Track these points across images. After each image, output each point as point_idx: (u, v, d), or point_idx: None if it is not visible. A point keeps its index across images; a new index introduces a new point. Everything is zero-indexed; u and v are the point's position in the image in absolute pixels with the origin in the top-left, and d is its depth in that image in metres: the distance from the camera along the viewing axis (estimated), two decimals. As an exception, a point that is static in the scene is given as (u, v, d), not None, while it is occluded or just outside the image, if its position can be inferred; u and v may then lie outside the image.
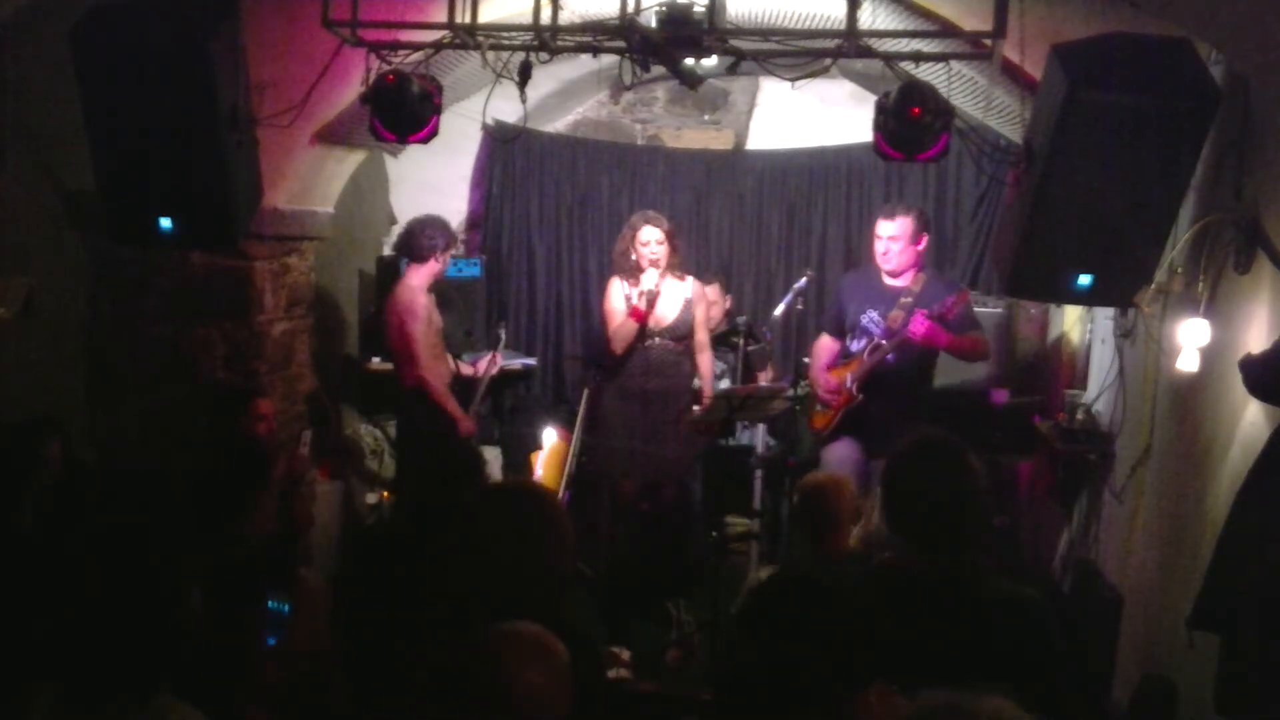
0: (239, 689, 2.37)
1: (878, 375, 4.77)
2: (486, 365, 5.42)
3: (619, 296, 5.22)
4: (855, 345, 4.94)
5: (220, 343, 5.14)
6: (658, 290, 5.06)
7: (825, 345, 5.13)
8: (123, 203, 3.64)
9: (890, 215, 4.85)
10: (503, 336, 5.84)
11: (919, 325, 4.57)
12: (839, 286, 5.25)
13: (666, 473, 5.28)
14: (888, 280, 4.87)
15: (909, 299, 4.78)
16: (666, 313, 5.18)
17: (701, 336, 5.32)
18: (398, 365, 5.13)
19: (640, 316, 5.07)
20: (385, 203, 6.95)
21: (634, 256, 5.14)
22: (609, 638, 4.78)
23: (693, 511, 5.73)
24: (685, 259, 5.53)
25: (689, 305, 5.21)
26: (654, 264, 5.08)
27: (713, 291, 5.92)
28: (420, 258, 5.10)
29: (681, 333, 5.20)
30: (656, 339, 5.17)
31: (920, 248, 4.87)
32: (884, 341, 4.75)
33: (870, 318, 4.88)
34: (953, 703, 1.59)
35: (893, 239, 4.79)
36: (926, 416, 4.80)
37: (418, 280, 5.10)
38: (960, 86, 4.47)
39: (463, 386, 5.34)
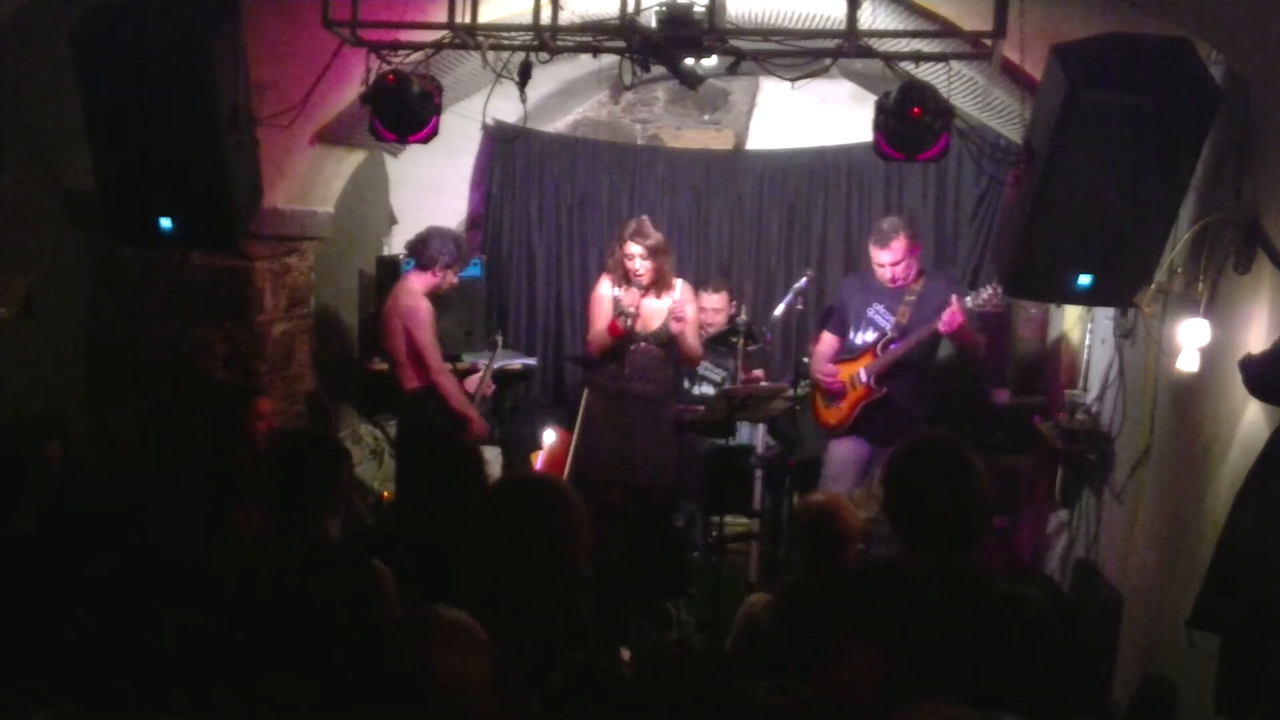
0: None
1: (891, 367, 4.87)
2: (479, 385, 5.42)
3: (604, 297, 5.23)
4: (860, 338, 5.01)
5: (220, 343, 5.14)
6: (638, 312, 5.06)
7: (827, 340, 5.21)
8: (123, 203, 3.64)
9: (884, 243, 4.89)
10: (499, 342, 5.84)
11: (954, 318, 4.61)
12: (840, 290, 5.32)
13: (647, 474, 5.27)
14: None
15: (913, 296, 4.88)
16: (652, 319, 5.17)
17: (690, 340, 5.28)
18: (398, 370, 5.11)
19: (617, 333, 5.08)
20: (385, 203, 6.95)
21: (623, 263, 5.14)
22: (608, 638, 4.77)
23: (687, 512, 5.73)
24: (685, 261, 5.51)
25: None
26: (637, 277, 5.08)
27: (719, 300, 5.92)
28: (424, 265, 5.08)
29: (666, 338, 5.20)
30: (642, 343, 5.16)
31: (917, 255, 4.97)
32: (897, 337, 4.85)
33: (876, 310, 4.97)
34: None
35: (894, 264, 4.89)
36: (923, 411, 4.87)
37: (418, 285, 5.08)
38: (960, 86, 4.47)
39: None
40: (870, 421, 4.95)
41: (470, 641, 1.85)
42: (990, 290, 4.71)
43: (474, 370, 5.65)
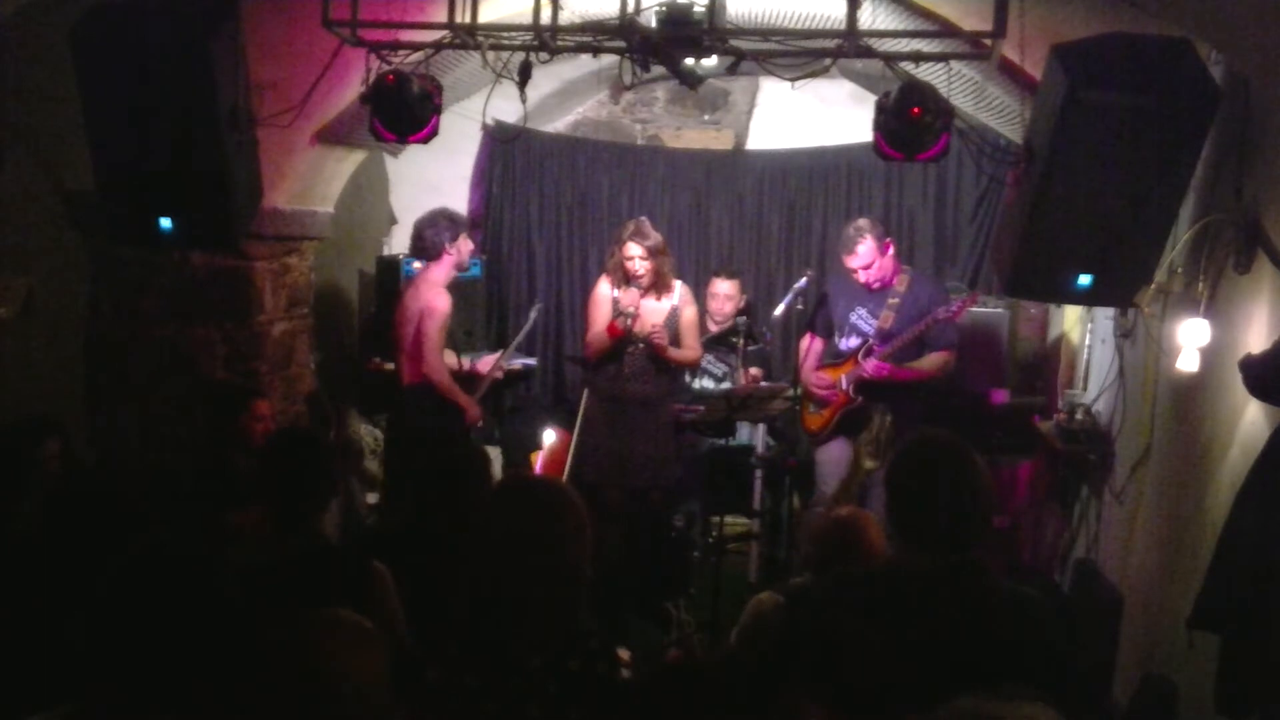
0: None
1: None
2: (492, 366, 5.40)
3: (604, 299, 5.19)
4: (845, 344, 4.98)
5: (220, 343, 5.14)
6: (637, 313, 5.04)
7: (812, 346, 5.18)
8: (123, 203, 3.64)
9: (850, 249, 4.85)
10: (533, 317, 5.80)
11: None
12: (827, 288, 5.26)
13: (646, 476, 5.26)
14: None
15: (896, 299, 4.84)
16: (651, 320, 5.15)
17: (689, 342, 5.27)
18: (400, 360, 5.05)
19: (616, 334, 5.06)
20: (385, 203, 6.96)
21: (622, 265, 5.13)
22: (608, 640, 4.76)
23: (687, 512, 5.73)
24: (685, 261, 5.49)
25: (674, 313, 5.19)
26: (636, 278, 5.08)
27: (731, 286, 5.92)
28: (434, 255, 4.96)
29: (646, 342, 5.17)
30: (640, 345, 5.14)
31: (891, 253, 4.90)
32: (879, 343, 4.82)
33: (860, 315, 4.94)
34: (985, 711, 1.57)
35: (865, 268, 4.84)
36: (922, 411, 4.86)
37: (437, 275, 4.93)
38: (960, 86, 4.47)
39: (463, 382, 5.30)
40: (855, 429, 4.95)
41: (365, 640, 1.83)
42: (960, 302, 4.72)
43: (477, 371, 5.63)
